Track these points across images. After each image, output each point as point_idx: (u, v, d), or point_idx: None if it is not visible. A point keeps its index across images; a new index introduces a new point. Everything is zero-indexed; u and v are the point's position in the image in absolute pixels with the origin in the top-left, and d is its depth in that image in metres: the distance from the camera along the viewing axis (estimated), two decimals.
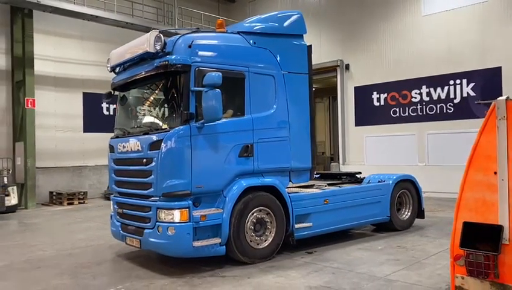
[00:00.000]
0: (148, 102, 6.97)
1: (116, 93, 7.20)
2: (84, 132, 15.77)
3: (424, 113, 14.70)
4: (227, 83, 6.11)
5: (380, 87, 15.81)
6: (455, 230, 4.02)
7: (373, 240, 7.79)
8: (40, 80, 14.42)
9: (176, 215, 5.79)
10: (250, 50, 6.74)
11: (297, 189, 7.59)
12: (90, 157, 15.79)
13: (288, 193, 6.89)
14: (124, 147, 6.54)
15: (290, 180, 7.08)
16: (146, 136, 6.18)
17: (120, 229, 6.68)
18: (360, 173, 9.41)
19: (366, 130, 16.26)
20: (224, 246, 6.06)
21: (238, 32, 6.85)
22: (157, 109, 6.84)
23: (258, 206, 6.40)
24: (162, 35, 6.04)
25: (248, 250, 6.26)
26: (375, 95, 16.01)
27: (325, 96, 22.61)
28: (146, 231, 6.07)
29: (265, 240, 6.49)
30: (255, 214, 6.36)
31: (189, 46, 6.04)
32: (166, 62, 5.92)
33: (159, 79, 6.35)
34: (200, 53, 6.13)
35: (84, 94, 15.85)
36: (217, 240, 6.00)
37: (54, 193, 14.60)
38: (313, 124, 7.36)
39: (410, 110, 15.03)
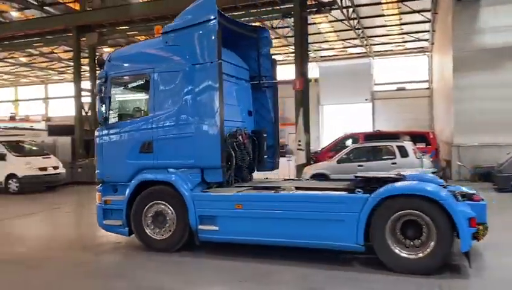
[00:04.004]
0: None
1: None
2: None
3: None
4: (135, 86, 7.64)
5: None
6: None
7: None
8: None
9: (97, 197, 7.62)
10: (160, 51, 7.35)
11: (224, 190, 7.03)
12: None
13: (211, 192, 6.88)
14: None
15: (203, 179, 6.97)
16: None
17: None
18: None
19: None
20: (127, 229, 7.28)
21: (162, 34, 7.33)
22: None
23: (157, 199, 7.11)
24: (100, 57, 7.83)
25: (146, 238, 7.18)
26: None
27: None
28: None
29: (164, 234, 7.06)
30: (155, 207, 7.11)
31: (109, 61, 7.60)
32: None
33: None
34: (114, 65, 7.58)
35: None
36: (119, 222, 7.33)
37: None
38: (221, 118, 6.74)
39: None
